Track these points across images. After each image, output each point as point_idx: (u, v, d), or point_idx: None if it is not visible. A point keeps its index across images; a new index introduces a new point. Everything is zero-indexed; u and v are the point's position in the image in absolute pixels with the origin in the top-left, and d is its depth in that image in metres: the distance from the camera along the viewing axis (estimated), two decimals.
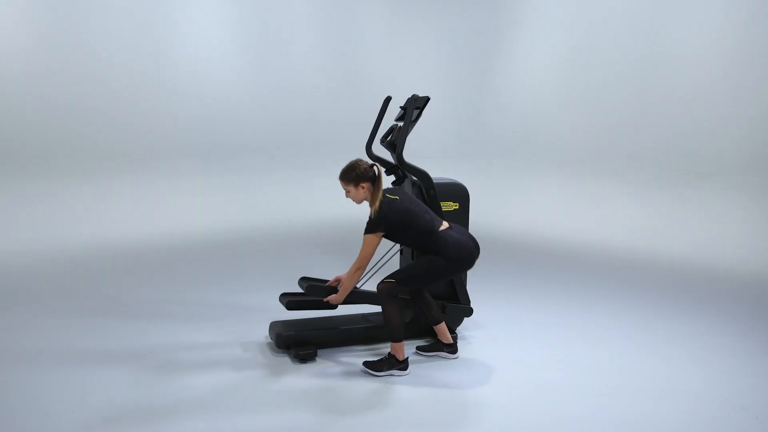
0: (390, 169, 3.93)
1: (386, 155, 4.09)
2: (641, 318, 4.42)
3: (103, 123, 7.11)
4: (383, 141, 3.91)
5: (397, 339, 3.36)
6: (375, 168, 3.37)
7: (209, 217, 7.36)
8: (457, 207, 3.89)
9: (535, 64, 8.48)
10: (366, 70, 9.02)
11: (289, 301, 3.61)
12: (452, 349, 3.67)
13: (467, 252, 3.32)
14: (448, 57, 9.23)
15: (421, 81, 9.05)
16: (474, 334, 4.06)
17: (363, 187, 3.33)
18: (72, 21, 6.87)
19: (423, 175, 3.71)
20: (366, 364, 3.41)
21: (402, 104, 3.88)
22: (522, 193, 8.27)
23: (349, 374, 3.37)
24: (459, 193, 3.89)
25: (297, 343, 3.58)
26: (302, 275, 4.13)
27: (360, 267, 3.35)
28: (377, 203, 3.29)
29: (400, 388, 3.22)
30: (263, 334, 3.95)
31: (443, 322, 3.67)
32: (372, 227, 3.30)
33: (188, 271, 5.49)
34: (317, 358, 3.56)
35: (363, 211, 6.92)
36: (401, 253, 4.07)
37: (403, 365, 3.40)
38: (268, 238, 6.90)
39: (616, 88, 7.55)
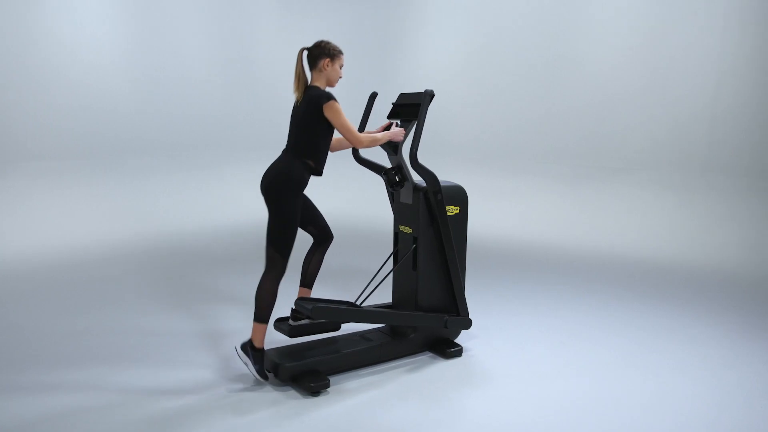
0: (385, 171, 3.56)
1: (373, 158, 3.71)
2: (617, 314, 4.46)
3: None
4: None
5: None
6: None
7: (98, 228, 6.42)
8: (458, 211, 3.63)
9: (440, 63, 8.43)
10: (258, 65, 8.39)
11: (292, 328, 3.17)
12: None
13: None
14: (346, 55, 8.88)
15: None
16: (471, 345, 3.82)
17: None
18: None
19: (431, 177, 3.40)
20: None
21: (393, 101, 3.54)
22: None
23: (369, 402, 2.97)
24: (459, 197, 3.64)
25: (304, 373, 3.11)
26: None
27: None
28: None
29: (425, 411, 2.88)
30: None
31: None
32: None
33: (114, 293, 4.67)
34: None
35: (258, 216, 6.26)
36: (395, 264, 3.70)
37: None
38: (176, 249, 6.15)
39: (522, 88, 7.71)
